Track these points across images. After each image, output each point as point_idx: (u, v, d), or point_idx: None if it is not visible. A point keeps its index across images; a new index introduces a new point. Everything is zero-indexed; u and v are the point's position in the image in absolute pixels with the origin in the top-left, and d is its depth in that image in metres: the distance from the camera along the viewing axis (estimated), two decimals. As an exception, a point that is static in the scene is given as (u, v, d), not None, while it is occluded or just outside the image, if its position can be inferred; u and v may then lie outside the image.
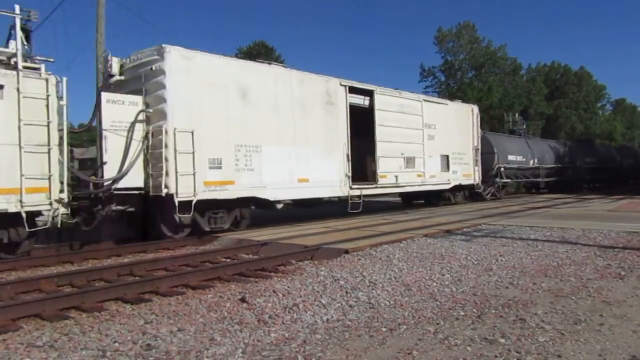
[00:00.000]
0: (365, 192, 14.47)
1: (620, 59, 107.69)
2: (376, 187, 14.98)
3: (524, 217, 13.61)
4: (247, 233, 11.08)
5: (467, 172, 19.19)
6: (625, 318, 4.68)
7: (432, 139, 17.25)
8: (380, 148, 15.00)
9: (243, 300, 5.50)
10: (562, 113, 56.44)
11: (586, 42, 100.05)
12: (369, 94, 15.10)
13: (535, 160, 26.03)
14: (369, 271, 6.84)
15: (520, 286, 6.03)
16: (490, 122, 39.98)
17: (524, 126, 29.73)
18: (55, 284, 6.66)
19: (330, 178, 13.36)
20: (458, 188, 19.12)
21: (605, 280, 6.27)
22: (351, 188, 13.92)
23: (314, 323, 4.74)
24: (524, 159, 25.05)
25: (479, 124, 20.23)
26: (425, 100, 17.47)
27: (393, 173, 15.45)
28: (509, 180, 23.42)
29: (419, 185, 16.76)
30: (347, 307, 5.23)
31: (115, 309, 5.47)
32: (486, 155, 21.28)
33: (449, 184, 18.19)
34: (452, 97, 49.36)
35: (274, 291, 5.80)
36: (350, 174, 13.86)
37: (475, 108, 20.30)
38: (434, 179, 17.39)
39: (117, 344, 4.20)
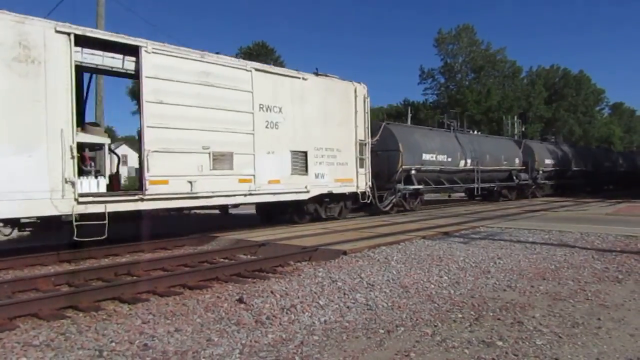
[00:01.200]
0: (115, 207, 9.09)
1: (620, 63, 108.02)
2: (142, 200, 9.45)
3: (522, 220, 13.62)
4: (245, 233, 11.07)
5: (344, 176, 13.70)
6: (623, 322, 4.69)
7: (274, 127, 11.90)
8: (155, 138, 9.61)
9: (241, 300, 5.49)
10: (560, 116, 56.57)
11: (585, 46, 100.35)
12: (134, 51, 9.61)
13: (469, 161, 20.36)
14: (367, 273, 6.83)
15: (518, 289, 6.03)
16: (489, 125, 39.99)
17: (523, 129, 28.82)
18: (53, 283, 6.65)
19: (20, 187, 7.93)
20: (331, 198, 13.72)
21: (603, 283, 6.27)
22: (79, 202, 8.60)
23: (312, 324, 4.73)
24: (450, 159, 19.39)
25: (369, 109, 14.64)
26: (259, 70, 11.72)
27: (184, 177, 10.04)
28: (421, 186, 17.35)
29: (244, 194, 11.22)
30: (344, 309, 5.22)
31: (112, 309, 5.46)
32: (389, 153, 16.46)
33: (306, 192, 12.65)
34: (451, 100, 49.66)
35: (272, 292, 5.79)
36: (77, 180, 8.57)
37: (361, 87, 14.39)
38: (277, 185, 11.92)
39: (114, 344, 4.19)
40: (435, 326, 4.62)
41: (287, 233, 11.00)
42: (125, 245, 9.85)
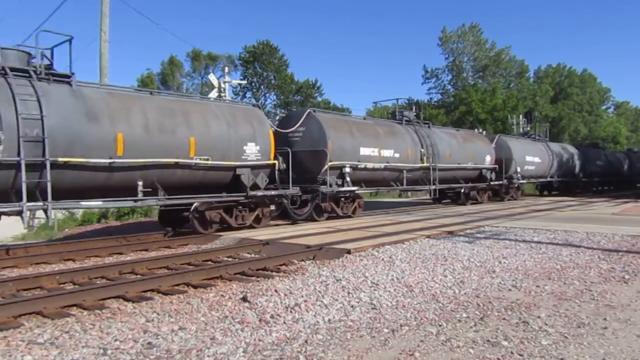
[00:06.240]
0: None
1: (625, 62, 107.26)
2: None
3: (527, 220, 13.55)
4: (248, 232, 11.07)
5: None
6: (629, 322, 4.65)
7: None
8: None
9: (244, 299, 5.49)
10: (565, 114, 56.25)
11: (589, 45, 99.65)
12: None
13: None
14: (371, 272, 6.82)
15: (524, 289, 6.00)
16: (494, 124, 39.87)
17: (529, 128, 29.25)
18: (57, 282, 6.67)
19: None
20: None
21: (609, 283, 6.23)
22: None
23: (316, 323, 4.72)
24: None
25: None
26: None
27: None
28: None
29: None
30: (349, 308, 5.21)
31: (116, 307, 5.47)
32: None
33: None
34: (456, 99, 49.47)
35: (276, 291, 5.78)
36: None
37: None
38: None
39: (118, 342, 4.19)
40: (440, 326, 4.60)
41: (291, 232, 11.00)
42: (129, 244, 9.88)
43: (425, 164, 16.83)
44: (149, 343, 4.17)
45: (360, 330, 4.51)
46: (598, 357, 3.81)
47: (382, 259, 7.79)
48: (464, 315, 4.94)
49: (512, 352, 3.89)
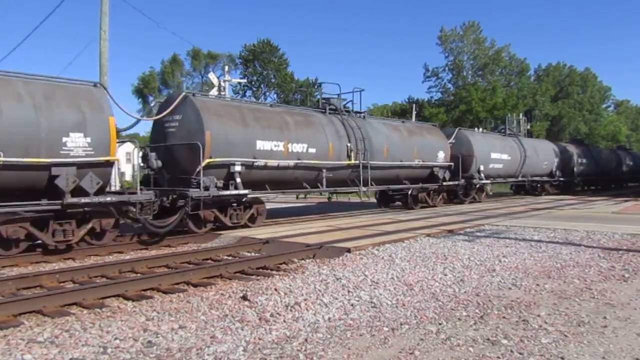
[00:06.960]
0: None
1: (625, 60, 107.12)
2: None
3: (527, 218, 13.56)
4: (248, 231, 11.07)
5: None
6: (629, 320, 4.65)
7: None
8: None
9: (244, 298, 5.49)
10: (565, 113, 56.25)
11: (591, 43, 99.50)
12: None
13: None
14: (371, 270, 6.82)
15: (523, 287, 6.00)
16: (495, 123, 39.95)
17: (529, 127, 28.77)
18: (57, 280, 6.67)
19: None
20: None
21: (609, 282, 6.24)
22: None
23: (316, 322, 4.72)
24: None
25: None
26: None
27: None
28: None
29: None
30: (349, 306, 5.21)
31: (116, 306, 5.47)
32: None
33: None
34: (456, 97, 49.53)
35: (276, 289, 5.78)
36: None
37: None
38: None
39: (118, 341, 4.20)
40: (440, 324, 4.60)
41: (291, 230, 10.99)
42: (130, 242, 9.88)
43: (353, 161, 13.95)
44: (149, 342, 4.17)
45: (360, 328, 4.52)
46: (598, 355, 3.81)
47: (382, 258, 7.79)
48: (464, 313, 4.94)
49: (511, 351, 3.89)
